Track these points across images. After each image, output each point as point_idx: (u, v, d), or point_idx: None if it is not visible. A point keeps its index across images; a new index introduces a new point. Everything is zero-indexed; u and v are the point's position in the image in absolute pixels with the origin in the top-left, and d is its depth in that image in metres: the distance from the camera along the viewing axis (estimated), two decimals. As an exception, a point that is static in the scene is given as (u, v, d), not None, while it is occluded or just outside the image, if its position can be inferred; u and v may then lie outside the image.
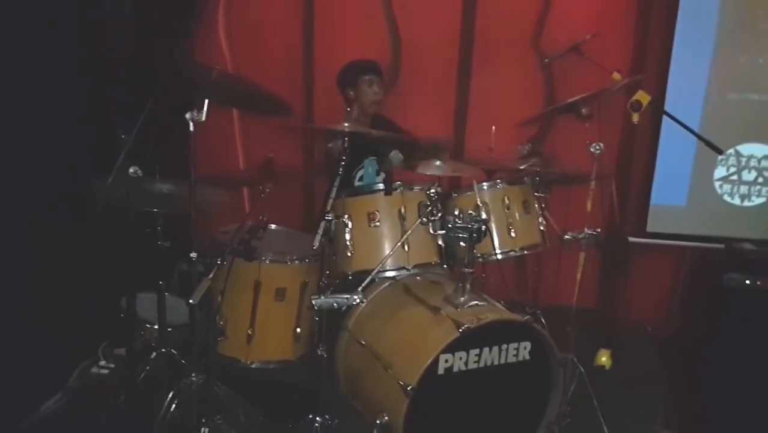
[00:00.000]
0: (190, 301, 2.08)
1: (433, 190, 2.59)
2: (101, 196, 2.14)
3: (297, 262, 2.71)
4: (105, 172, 2.19)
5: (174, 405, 2.47)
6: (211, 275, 2.14)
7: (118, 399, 2.59)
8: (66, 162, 2.83)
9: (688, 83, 3.65)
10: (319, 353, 2.42)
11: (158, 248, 2.50)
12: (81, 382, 2.94)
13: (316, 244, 2.24)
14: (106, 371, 2.97)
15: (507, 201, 2.76)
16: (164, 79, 2.22)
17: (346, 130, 2.38)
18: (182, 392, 2.46)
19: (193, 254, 2.25)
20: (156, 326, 2.65)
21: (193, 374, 2.44)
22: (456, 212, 2.46)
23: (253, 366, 2.71)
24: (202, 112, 2.13)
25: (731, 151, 3.70)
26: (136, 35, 3.23)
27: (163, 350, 2.62)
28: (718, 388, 3.21)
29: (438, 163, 2.56)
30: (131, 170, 2.28)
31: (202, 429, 2.36)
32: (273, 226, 3.05)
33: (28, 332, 2.71)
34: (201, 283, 2.11)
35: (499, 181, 2.81)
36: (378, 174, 3.19)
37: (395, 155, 2.43)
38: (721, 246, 3.61)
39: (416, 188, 2.61)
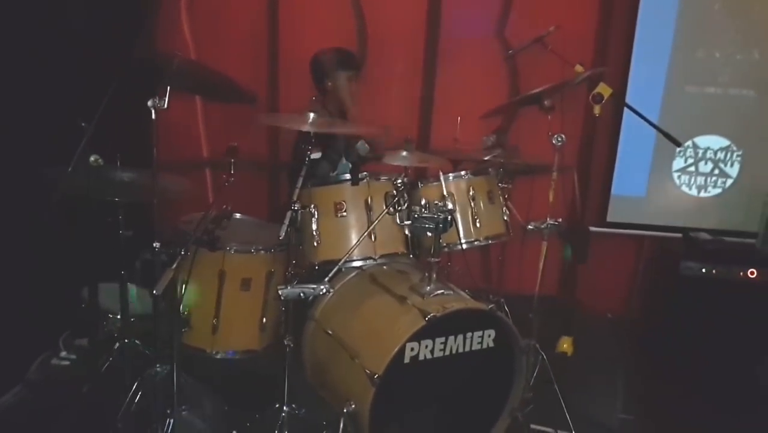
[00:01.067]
0: (154, 291, 2.05)
1: (399, 181, 2.61)
2: (61, 185, 2.09)
3: (262, 252, 2.69)
4: (65, 160, 2.14)
5: (138, 396, 2.44)
6: (174, 265, 2.12)
7: (81, 391, 2.55)
8: (24, 150, 2.75)
9: (648, 76, 3.73)
10: (285, 342, 2.42)
11: (120, 237, 2.47)
12: (41, 374, 2.89)
13: (282, 234, 2.23)
14: (67, 363, 2.92)
15: (472, 192, 2.79)
16: (125, 65, 2.18)
17: (304, 129, 2.34)
18: (146, 382, 2.44)
19: (156, 244, 2.22)
20: (119, 316, 2.61)
21: (157, 365, 2.43)
22: (422, 202, 2.47)
23: (219, 356, 2.68)
24: (164, 100, 2.10)
25: (689, 143, 3.81)
26: (98, 21, 3.15)
27: (126, 340, 2.58)
28: (675, 372, 3.32)
29: (404, 153, 2.57)
30: (92, 159, 2.24)
31: (167, 420, 2.34)
32: (238, 215, 3.02)
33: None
34: (164, 273, 2.09)
35: (464, 171, 2.83)
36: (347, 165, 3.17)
37: (362, 145, 2.44)
38: (679, 236, 3.72)
39: (383, 178, 2.62)
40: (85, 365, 2.80)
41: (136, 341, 2.62)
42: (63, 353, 2.95)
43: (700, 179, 3.86)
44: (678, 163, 3.85)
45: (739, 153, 3.80)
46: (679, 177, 3.87)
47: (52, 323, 2.98)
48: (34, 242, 2.72)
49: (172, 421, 2.34)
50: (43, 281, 2.88)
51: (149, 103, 2.08)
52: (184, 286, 2.58)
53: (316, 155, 2.41)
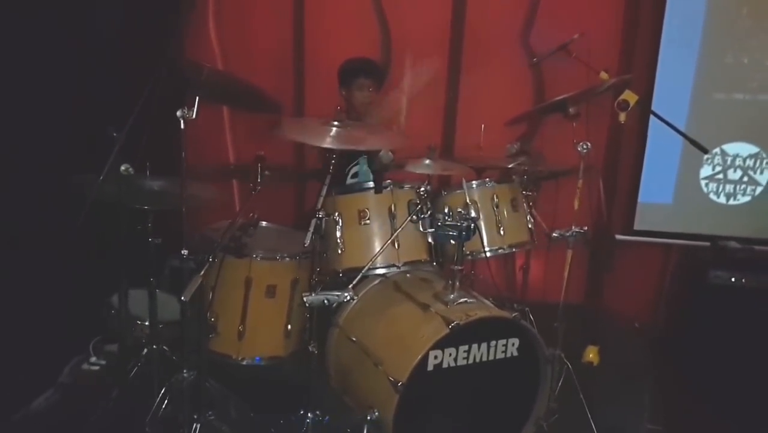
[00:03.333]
0: (182, 298, 2.09)
1: (422, 189, 2.61)
2: (92, 193, 2.14)
3: (288, 259, 2.72)
4: (96, 168, 2.19)
5: (166, 401, 2.48)
6: (202, 272, 2.15)
7: (110, 395, 2.60)
8: (57, 158, 2.83)
9: (674, 83, 3.69)
10: (309, 349, 2.44)
11: (149, 244, 2.51)
12: (72, 378, 2.96)
13: (308, 241, 2.26)
14: (97, 368, 2.98)
15: (496, 199, 2.79)
16: (155, 76, 2.22)
17: (322, 145, 2.34)
18: (174, 388, 2.47)
19: (185, 251, 2.26)
20: (147, 323, 2.65)
21: (184, 371, 2.45)
22: (446, 210, 2.48)
23: (244, 363, 2.72)
24: (192, 110, 2.14)
25: (717, 150, 3.75)
26: (128, 32, 3.23)
27: (154, 346, 2.63)
28: (703, 383, 3.26)
29: (428, 161, 2.58)
30: (123, 168, 2.28)
31: (194, 425, 2.38)
32: (264, 223, 3.06)
33: (20, 329, 2.70)
34: (192, 280, 2.12)
35: (488, 179, 2.83)
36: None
37: (385, 154, 2.45)
38: (707, 244, 3.66)
39: (406, 186, 2.63)
40: (115, 370, 2.85)
41: (164, 347, 2.66)
42: (93, 358, 3.01)
43: (729, 187, 3.80)
44: (706, 170, 3.80)
45: (769, 160, 3.74)
46: (707, 185, 3.82)
47: (83, 329, 3.04)
48: (67, 249, 2.78)
49: (198, 426, 2.38)
50: (75, 287, 2.95)
51: (178, 113, 2.12)
52: (211, 292, 2.62)
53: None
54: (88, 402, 2.66)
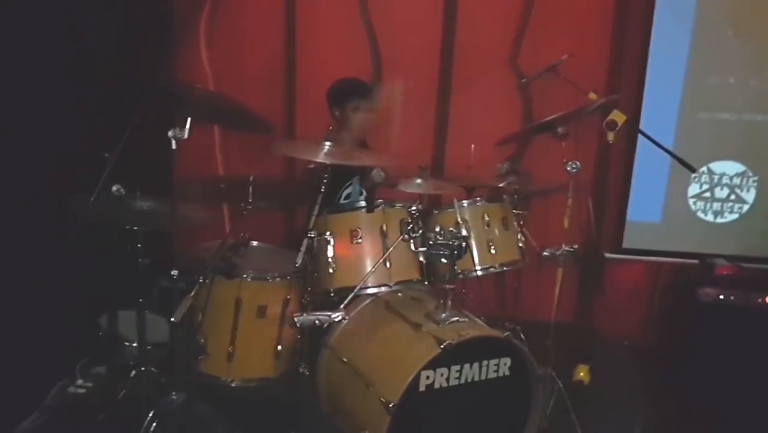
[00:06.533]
0: (172, 319, 2.07)
1: (414, 208, 2.62)
2: (83, 213, 2.13)
3: (278, 279, 2.71)
4: (87, 189, 2.18)
5: (154, 425, 2.44)
6: (192, 293, 2.14)
7: (97, 419, 2.56)
8: (47, 178, 2.81)
9: (661, 103, 3.74)
10: (300, 370, 2.42)
11: (138, 265, 2.50)
12: (58, 401, 2.90)
13: (299, 261, 2.25)
14: (83, 390, 2.93)
15: (487, 218, 2.80)
16: (147, 97, 2.23)
17: (317, 161, 2.34)
18: (162, 411, 2.44)
19: (174, 272, 2.24)
20: (135, 344, 2.63)
21: (173, 393, 2.43)
22: (437, 229, 2.49)
23: (234, 384, 2.69)
24: (184, 130, 2.14)
25: (704, 169, 3.80)
26: (119, 54, 3.23)
27: (142, 368, 2.59)
28: (694, 400, 3.26)
29: (419, 181, 2.59)
30: (114, 189, 2.28)
31: (183, 448, 2.35)
32: (254, 243, 3.04)
33: (4, 350, 2.66)
34: (183, 301, 2.11)
35: (478, 198, 2.84)
36: (361, 192, 3.20)
37: (377, 173, 2.46)
38: (696, 262, 3.69)
39: (398, 205, 2.63)
40: (102, 393, 2.81)
41: (153, 369, 2.63)
42: (80, 381, 2.96)
43: (717, 205, 3.84)
44: (693, 189, 3.84)
45: (755, 178, 3.78)
46: (694, 203, 3.86)
47: (70, 351, 3.00)
48: (55, 270, 2.75)
49: (187, 449, 2.35)
50: (63, 308, 2.91)
51: (170, 133, 2.12)
52: (201, 313, 2.60)
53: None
54: (74, 426, 2.62)
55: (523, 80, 3.71)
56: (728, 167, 3.80)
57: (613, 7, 3.83)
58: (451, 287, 2.46)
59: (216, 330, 2.67)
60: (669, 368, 3.55)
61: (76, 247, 2.11)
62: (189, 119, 2.14)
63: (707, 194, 3.84)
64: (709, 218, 3.85)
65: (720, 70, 3.72)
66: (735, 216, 3.84)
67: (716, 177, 3.81)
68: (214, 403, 2.58)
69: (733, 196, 3.82)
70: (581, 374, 3.30)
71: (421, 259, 2.62)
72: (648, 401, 3.30)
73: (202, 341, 2.65)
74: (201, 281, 2.21)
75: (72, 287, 2.92)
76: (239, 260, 2.52)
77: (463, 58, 3.91)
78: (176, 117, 2.15)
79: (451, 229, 2.47)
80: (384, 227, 2.58)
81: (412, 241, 2.59)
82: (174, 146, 2.14)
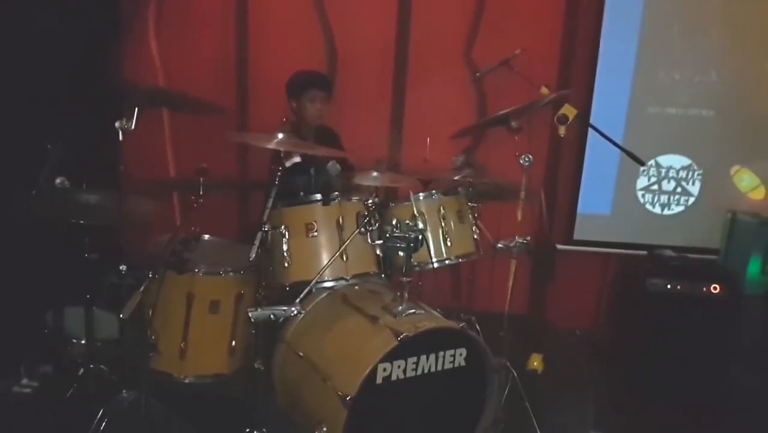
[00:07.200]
0: (121, 315, 2.02)
1: (370, 201, 2.61)
2: (26, 207, 2.05)
3: (231, 273, 2.66)
4: (30, 182, 2.10)
5: (104, 424, 2.38)
6: (142, 288, 2.09)
7: (44, 419, 2.48)
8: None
9: (611, 98, 3.83)
10: (255, 366, 2.39)
11: (86, 260, 2.42)
12: (2, 402, 2.79)
13: (253, 255, 2.22)
14: (29, 390, 2.83)
15: (442, 211, 2.81)
16: (93, 88, 2.16)
17: (271, 147, 2.34)
18: (113, 409, 2.38)
19: (123, 267, 2.19)
20: (84, 341, 2.55)
21: (124, 391, 2.37)
22: (393, 222, 2.49)
23: (187, 381, 2.63)
24: (131, 121, 2.08)
25: (652, 162, 3.90)
26: (64, 44, 3.11)
27: (91, 366, 2.52)
28: (644, 387, 3.36)
29: (375, 174, 2.58)
30: (58, 181, 2.20)
31: (135, 448, 2.30)
32: (206, 236, 2.98)
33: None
34: (132, 296, 2.06)
35: (434, 191, 2.85)
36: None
37: (332, 166, 2.44)
38: (644, 253, 3.79)
39: (354, 199, 2.62)
40: (49, 392, 2.72)
41: (102, 367, 2.56)
42: (25, 380, 2.86)
43: (664, 197, 3.95)
44: (642, 181, 3.94)
45: (700, 172, 3.91)
46: (643, 195, 3.96)
47: (12, 349, 2.89)
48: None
49: (139, 448, 2.30)
50: (6, 305, 2.80)
51: (117, 124, 2.06)
52: (151, 310, 2.54)
53: (294, 160, 2.39)
54: (20, 427, 2.53)
55: (477, 74, 3.74)
56: (675, 161, 3.91)
57: (565, 4, 3.90)
58: (408, 279, 2.46)
59: (167, 326, 2.60)
60: (619, 355, 3.66)
61: (20, 242, 2.03)
62: (136, 110, 2.08)
63: (655, 187, 3.95)
64: (657, 210, 3.96)
65: (667, 66, 3.82)
66: (681, 208, 3.96)
67: (663, 170, 3.92)
68: (166, 401, 2.53)
69: (679, 189, 3.94)
70: (535, 363, 3.37)
71: (378, 252, 2.62)
72: (599, 388, 3.39)
73: (153, 337, 2.59)
74: (151, 276, 2.15)
75: (15, 283, 2.81)
76: (191, 254, 2.47)
77: (418, 52, 3.92)
78: (124, 108, 2.08)
79: (408, 222, 2.47)
80: (340, 220, 2.56)
81: (368, 234, 2.59)
82: (121, 137, 2.08)
